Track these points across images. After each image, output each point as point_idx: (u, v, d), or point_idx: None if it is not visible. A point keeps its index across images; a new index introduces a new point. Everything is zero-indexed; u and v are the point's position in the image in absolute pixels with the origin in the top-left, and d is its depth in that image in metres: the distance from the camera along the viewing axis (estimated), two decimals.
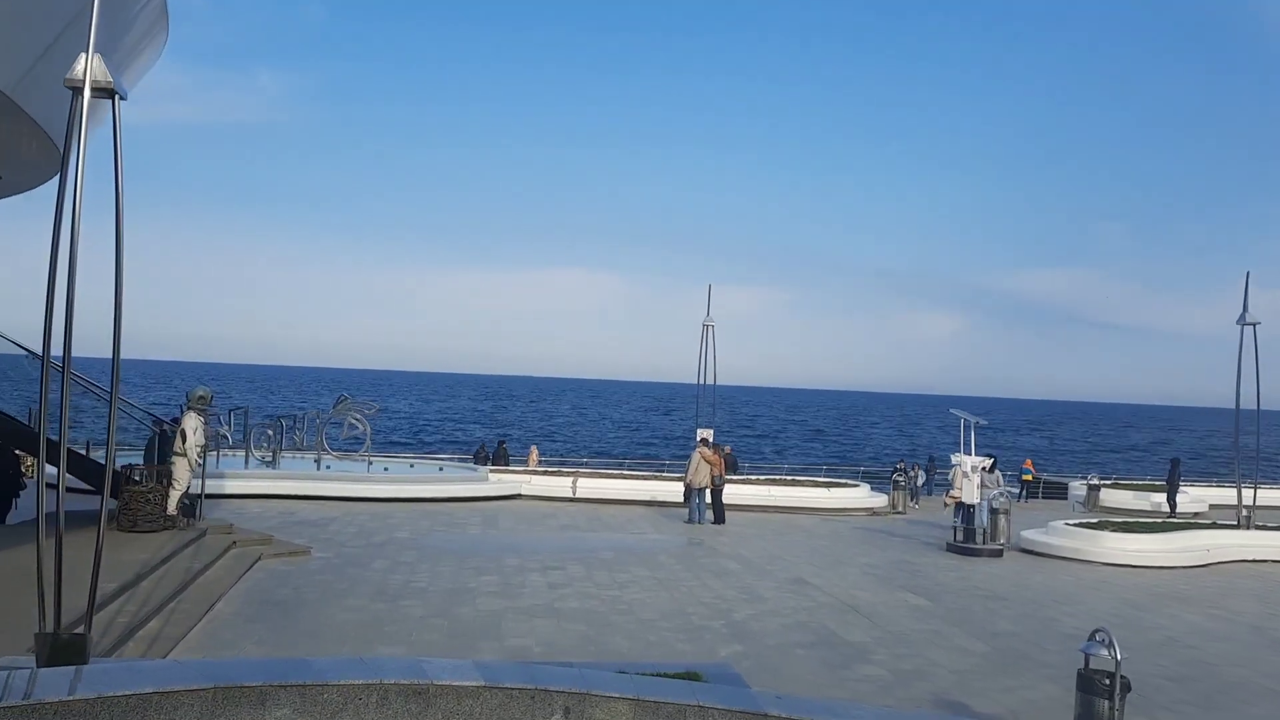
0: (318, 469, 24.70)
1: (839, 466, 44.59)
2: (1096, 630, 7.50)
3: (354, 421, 25.78)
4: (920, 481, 29.74)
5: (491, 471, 26.52)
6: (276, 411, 50.89)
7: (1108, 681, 7.19)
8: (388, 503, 22.28)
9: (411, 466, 27.88)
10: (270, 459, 24.91)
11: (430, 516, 20.50)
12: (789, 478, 28.35)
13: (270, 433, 25.36)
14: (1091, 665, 7.51)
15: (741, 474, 28.84)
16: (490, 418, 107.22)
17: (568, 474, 26.44)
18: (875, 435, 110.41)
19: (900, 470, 29.89)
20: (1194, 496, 28.66)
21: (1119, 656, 7.18)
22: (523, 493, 25.13)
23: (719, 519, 21.72)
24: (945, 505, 21.23)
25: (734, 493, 24.71)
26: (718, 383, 28.31)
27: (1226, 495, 30.22)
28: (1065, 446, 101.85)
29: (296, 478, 23.16)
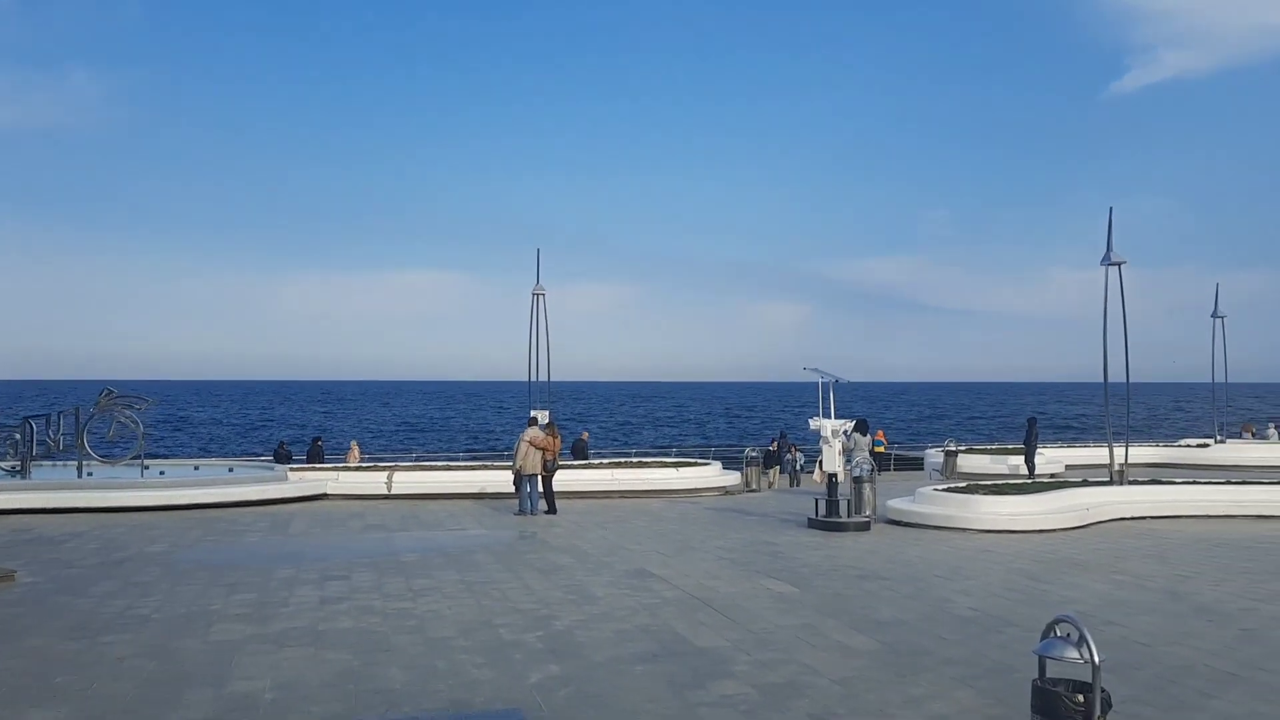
0: (78, 476, 20.78)
1: (694, 447, 42.66)
2: (1056, 621, 5.13)
3: (123, 420, 21.87)
4: (800, 463, 27.95)
5: (295, 470, 23.05)
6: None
7: (1081, 700, 4.79)
8: (159, 511, 18.68)
9: (196, 469, 24.09)
10: (18, 468, 20.84)
11: (205, 525, 17.06)
12: (635, 460, 25.86)
13: (18, 437, 21.23)
14: (1049, 674, 5.13)
15: (585, 461, 26.22)
16: (308, 423, 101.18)
17: (384, 468, 23.21)
18: (728, 419, 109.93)
19: (776, 446, 27.98)
20: (1050, 458, 27.69)
21: (1097, 660, 4.80)
22: (329, 492, 21.80)
23: (551, 508, 19.02)
24: (816, 481, 19.14)
25: (574, 479, 22.08)
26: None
27: (1081, 455, 29.53)
28: (909, 420, 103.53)
29: (48, 488, 19.30)
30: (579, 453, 28.15)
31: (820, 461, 17.43)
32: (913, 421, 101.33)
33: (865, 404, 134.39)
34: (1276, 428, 37.31)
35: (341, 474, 22.56)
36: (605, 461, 25.31)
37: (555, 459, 19.62)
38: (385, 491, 21.91)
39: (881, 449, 34.04)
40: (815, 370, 17.15)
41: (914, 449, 39.06)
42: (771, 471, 27.38)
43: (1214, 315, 32.47)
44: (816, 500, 17.10)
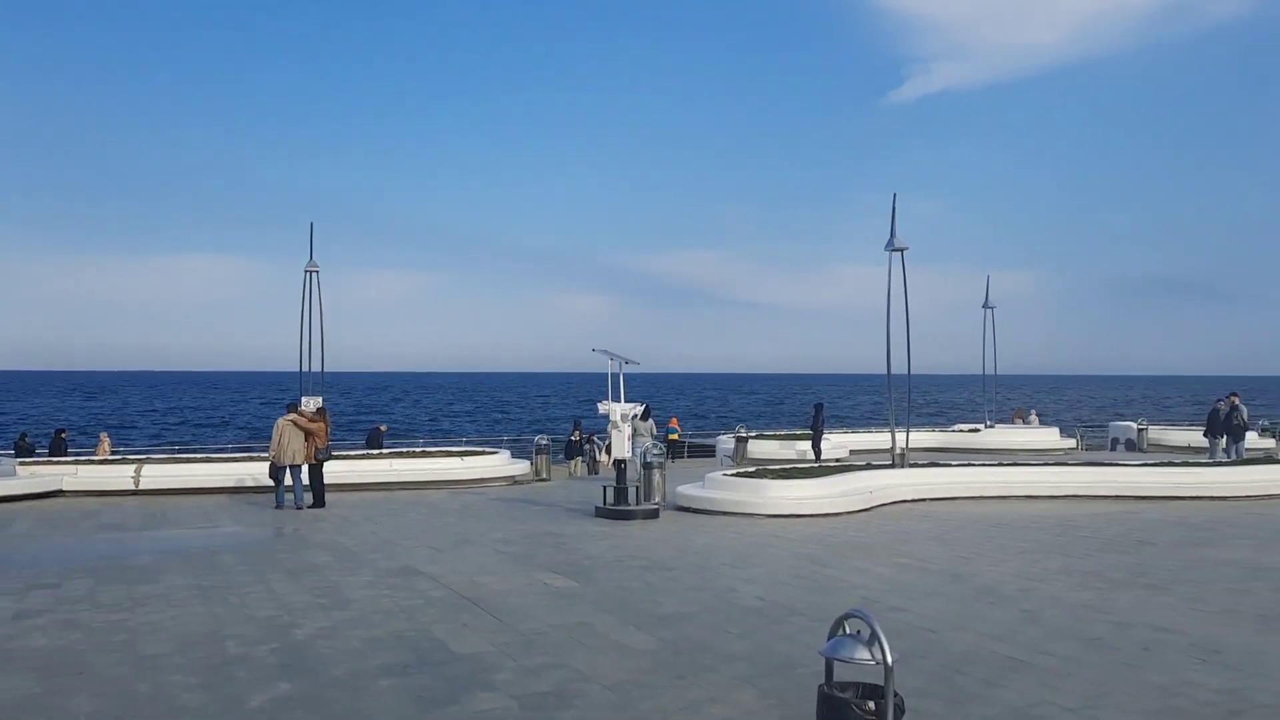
0: None
1: (488, 437, 41.32)
2: (847, 616, 4.44)
3: None
4: (599, 451, 27.22)
5: (29, 464, 20.45)
6: None
7: (871, 708, 4.12)
8: None
9: None
10: None
11: None
12: (418, 450, 24.46)
13: None
14: (837, 677, 4.46)
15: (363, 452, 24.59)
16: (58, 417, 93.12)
17: (132, 460, 20.92)
18: (528, 409, 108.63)
19: (577, 435, 27.17)
20: (836, 443, 28.15)
21: (889, 660, 4.14)
22: (64, 488, 19.40)
23: (319, 501, 17.51)
24: (607, 465, 18.45)
25: (348, 470, 20.56)
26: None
27: (865, 440, 30.21)
28: (705, 409, 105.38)
29: None
30: (374, 445, 26.59)
31: (608, 446, 16.72)
32: (709, 410, 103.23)
33: (667, 394, 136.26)
34: (1038, 414, 39.70)
35: (81, 468, 20.16)
36: (385, 451, 23.80)
37: (327, 447, 18.11)
38: (133, 487, 19.70)
39: (676, 436, 33.97)
40: (604, 352, 16.42)
41: (709, 436, 39.21)
42: (573, 462, 26.67)
43: (985, 306, 34.02)
44: (604, 488, 16.39)
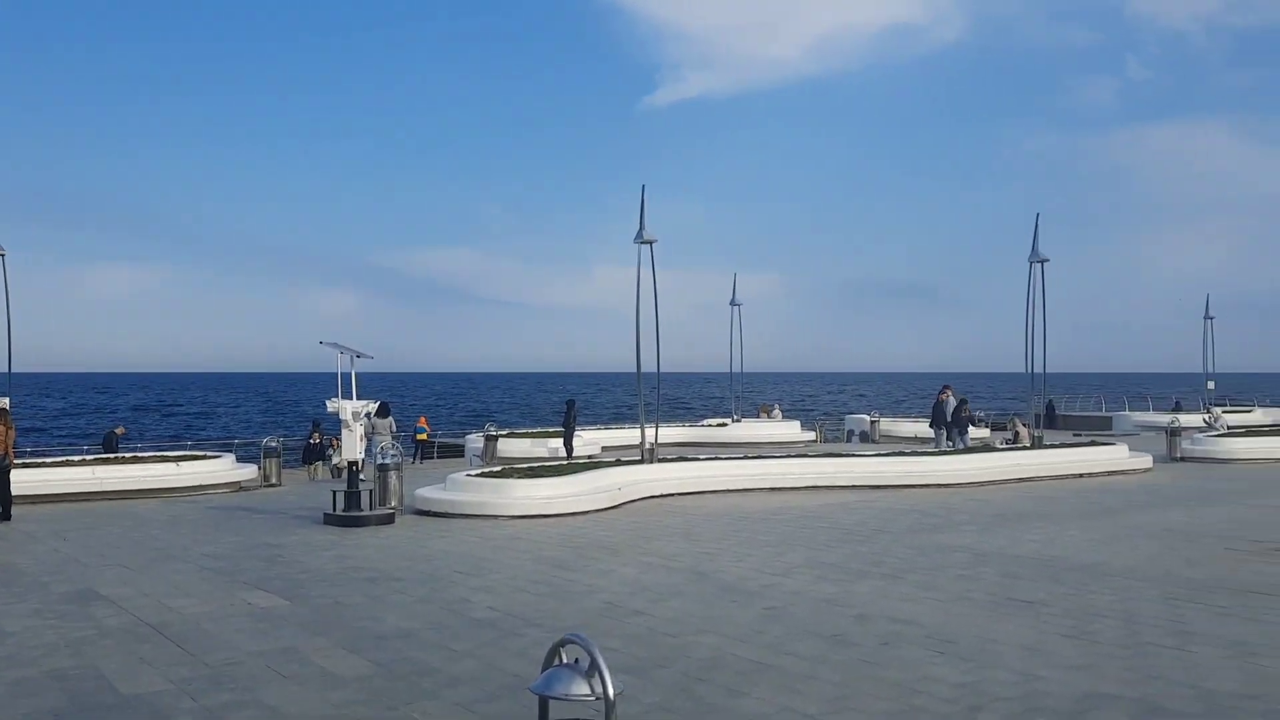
0: None
1: (217, 440, 38.21)
2: (562, 643, 3.74)
3: None
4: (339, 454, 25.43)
5: None
6: None
7: None
8: None
9: None
10: None
11: None
12: (129, 455, 22.01)
13: None
14: (554, 714, 3.75)
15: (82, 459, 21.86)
16: None
17: None
18: (266, 412, 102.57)
19: (317, 438, 25.24)
20: (588, 439, 27.80)
21: (612, 692, 3.47)
22: None
23: (4, 514, 15.25)
24: (339, 471, 17.08)
25: (41, 480, 18.12)
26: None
27: (617, 436, 30.05)
28: (457, 408, 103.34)
29: None
30: (110, 449, 23.82)
31: (341, 447, 15.46)
32: (463, 409, 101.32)
33: (421, 393, 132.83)
34: (781, 408, 41.12)
35: None
36: (87, 458, 21.23)
37: (9, 454, 15.80)
38: None
39: (424, 436, 32.64)
40: (334, 345, 15.13)
41: (461, 436, 38.04)
42: (312, 466, 24.87)
43: (732, 303, 34.78)
44: (334, 493, 15.11)
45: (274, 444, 21.98)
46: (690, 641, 7.58)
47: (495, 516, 14.97)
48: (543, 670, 3.73)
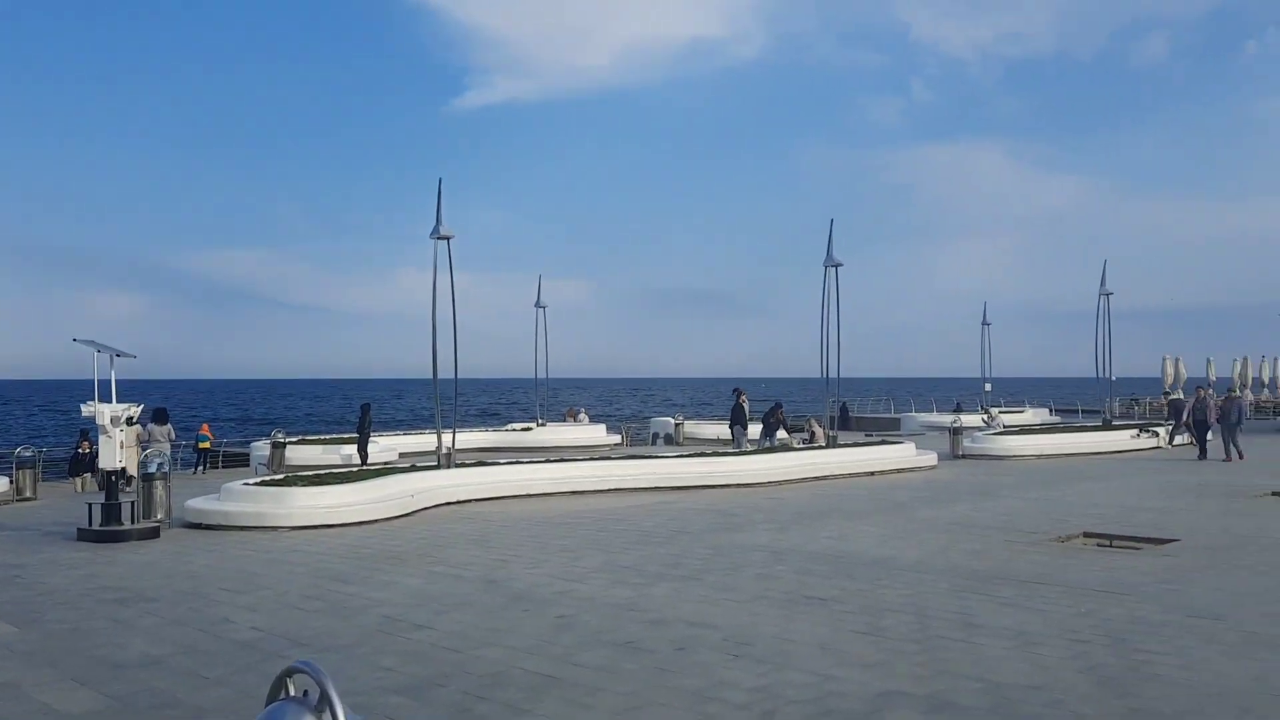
0: None
1: None
2: (289, 672, 3.14)
3: None
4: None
5: None
6: None
7: None
8: None
9: None
10: None
11: None
12: None
13: None
14: None
15: None
16: None
17: None
18: (31, 422, 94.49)
19: (88, 448, 22.96)
20: (385, 445, 26.65)
21: None
22: None
23: None
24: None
25: None
26: None
27: (416, 442, 28.96)
28: (250, 416, 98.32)
29: None
30: None
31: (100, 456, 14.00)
32: (259, 418, 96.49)
33: (211, 400, 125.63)
34: (587, 412, 40.93)
35: None
36: None
37: None
38: None
39: (207, 444, 30.54)
40: (90, 343, 13.69)
41: (249, 444, 35.87)
42: (79, 478, 22.68)
43: (537, 305, 34.31)
44: (90, 506, 13.66)
45: (29, 454, 19.89)
46: (474, 656, 7.03)
47: (274, 528, 13.91)
48: (266, 704, 3.13)
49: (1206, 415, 24.62)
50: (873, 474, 21.56)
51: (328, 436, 29.76)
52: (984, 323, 39.97)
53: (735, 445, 25.69)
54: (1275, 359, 54.02)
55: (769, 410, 27.80)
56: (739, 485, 19.19)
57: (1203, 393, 25.97)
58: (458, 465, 18.34)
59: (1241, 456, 23.10)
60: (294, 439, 27.16)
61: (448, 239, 18.36)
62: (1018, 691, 6.10)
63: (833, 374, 24.66)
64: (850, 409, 45.01)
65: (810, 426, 27.69)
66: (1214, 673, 6.49)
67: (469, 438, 30.07)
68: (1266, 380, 53.31)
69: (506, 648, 7.27)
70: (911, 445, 24.21)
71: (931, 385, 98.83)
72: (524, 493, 17.78)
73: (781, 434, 28.07)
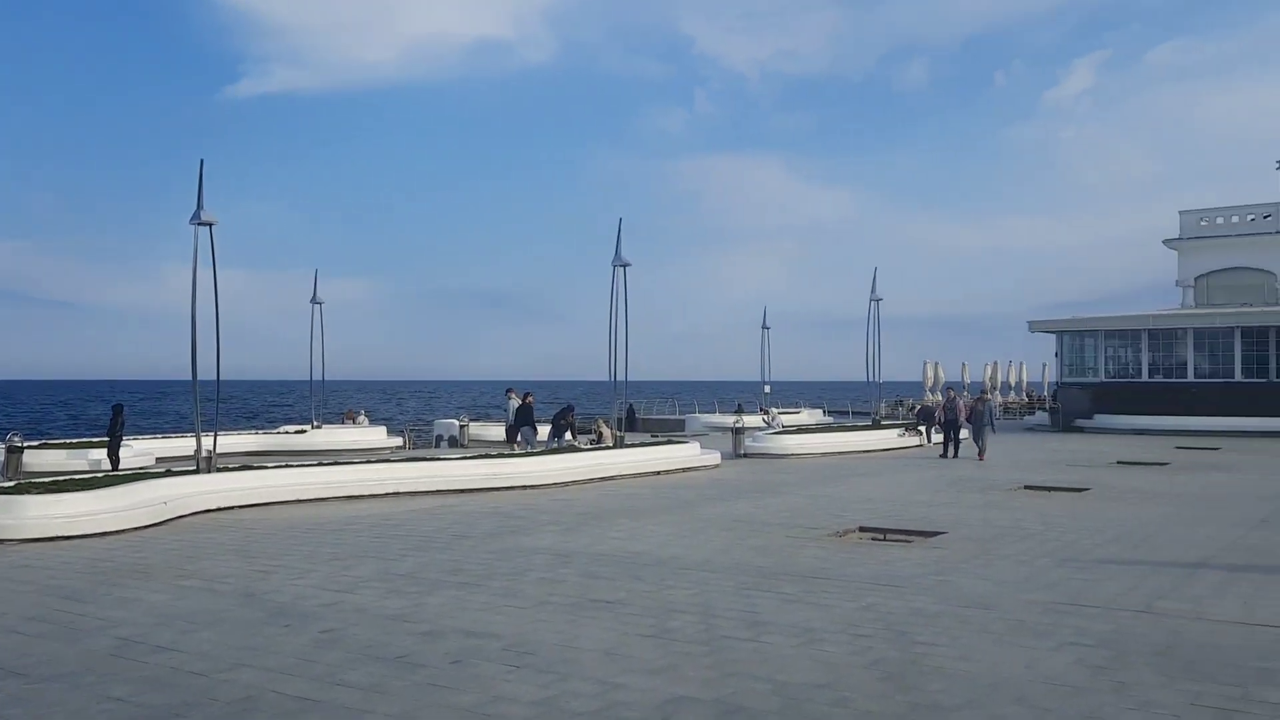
0: None
1: None
2: None
3: None
4: None
5: None
6: None
7: None
8: None
9: None
10: None
11: None
12: None
13: None
14: None
15: None
16: None
17: None
18: None
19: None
20: (139, 449, 24.52)
21: None
22: None
23: None
24: None
25: None
26: None
27: (176, 446, 26.86)
28: None
29: None
30: None
31: None
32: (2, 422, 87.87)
33: None
34: (368, 414, 39.40)
35: None
36: None
37: None
38: None
39: None
40: None
41: None
42: None
43: (313, 301, 32.64)
44: None
45: None
46: (222, 680, 6.27)
47: (4, 541, 12.35)
48: None
49: (956, 416, 26.14)
50: (659, 473, 21.62)
51: (74, 440, 27.19)
52: (764, 327, 41.22)
53: (525, 446, 25.24)
54: (1021, 364, 58.70)
55: (559, 412, 27.58)
56: (525, 487, 18.73)
57: (952, 394, 27.66)
58: (220, 469, 16.98)
59: (984, 456, 24.61)
60: (33, 443, 24.62)
61: (209, 225, 16.96)
62: (805, 691, 5.96)
63: (620, 375, 24.62)
64: (637, 411, 45.47)
65: (598, 427, 27.59)
66: (989, 662, 6.60)
67: (237, 440, 28.24)
68: (1014, 383, 57.82)
69: (262, 669, 6.54)
70: (696, 445, 24.50)
71: (717, 388, 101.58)
72: (294, 498, 16.64)
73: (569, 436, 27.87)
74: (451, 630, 7.54)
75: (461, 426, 33.73)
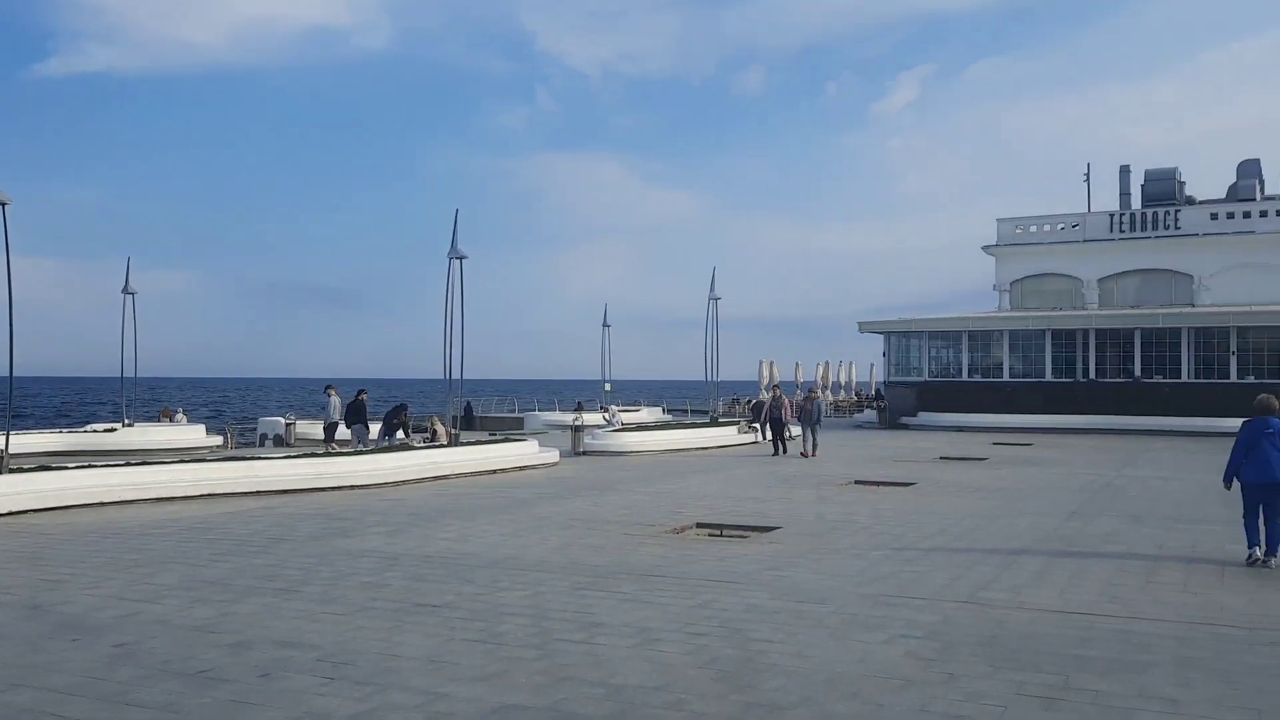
0: None
1: None
2: None
3: None
4: None
5: None
6: None
7: None
8: None
9: None
10: None
11: None
12: None
13: None
14: None
15: None
16: None
17: None
18: None
19: None
20: None
21: None
22: None
23: None
24: None
25: None
26: None
27: None
28: None
29: None
30: None
31: None
32: None
33: None
34: (186, 412, 37.30)
35: None
36: None
37: None
38: None
39: None
40: None
41: None
42: None
43: (125, 291, 30.60)
44: None
45: None
46: None
47: None
48: None
49: (782, 414, 26.68)
50: (495, 472, 21.17)
51: None
52: (604, 325, 41.13)
53: (355, 445, 24.28)
54: (851, 364, 60.66)
55: (391, 410, 26.74)
56: (353, 487, 17.96)
57: (778, 392, 28.27)
58: (12, 470, 15.56)
59: (815, 452, 25.16)
60: None
61: (2, 204, 15.53)
62: (640, 694, 5.74)
63: (456, 372, 23.99)
64: (475, 408, 44.68)
65: (432, 425, 26.82)
66: (823, 658, 6.54)
67: (37, 440, 26.25)
68: (844, 382, 59.73)
69: (41, 689, 5.86)
70: (534, 443, 24.13)
71: (559, 386, 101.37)
72: (97, 500, 15.42)
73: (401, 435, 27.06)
74: (261, 641, 6.98)
75: (288, 424, 32.28)
